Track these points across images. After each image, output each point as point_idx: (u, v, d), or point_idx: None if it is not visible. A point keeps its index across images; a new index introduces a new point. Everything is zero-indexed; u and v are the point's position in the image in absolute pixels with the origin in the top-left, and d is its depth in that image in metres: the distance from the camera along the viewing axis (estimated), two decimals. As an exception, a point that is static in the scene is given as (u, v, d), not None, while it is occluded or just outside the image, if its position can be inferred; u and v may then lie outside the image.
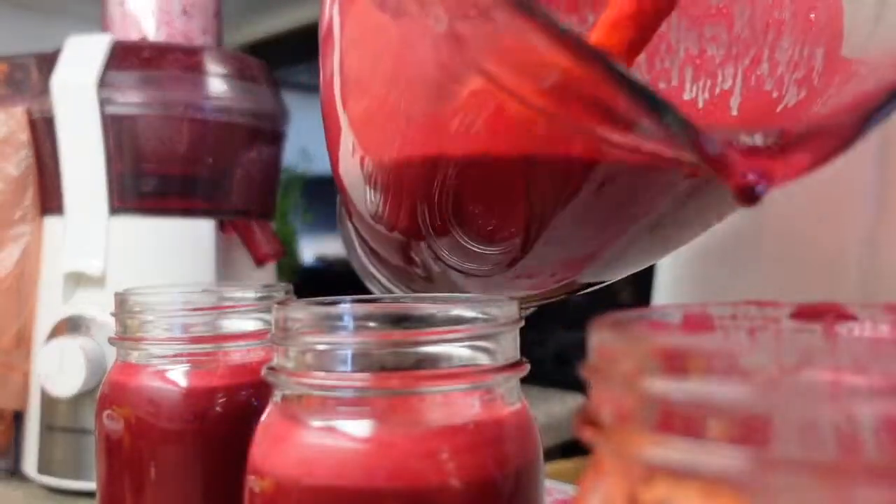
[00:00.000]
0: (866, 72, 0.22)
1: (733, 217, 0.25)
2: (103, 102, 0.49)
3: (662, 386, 0.13)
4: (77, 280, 0.49)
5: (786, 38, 0.25)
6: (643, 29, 0.21)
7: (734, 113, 0.26)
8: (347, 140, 0.23)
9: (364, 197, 0.23)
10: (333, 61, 0.23)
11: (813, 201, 0.35)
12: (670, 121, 0.16)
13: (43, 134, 0.51)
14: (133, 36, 0.54)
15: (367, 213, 0.24)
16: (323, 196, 1.06)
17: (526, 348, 0.26)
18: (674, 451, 0.13)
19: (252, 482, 0.24)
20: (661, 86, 0.27)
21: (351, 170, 0.23)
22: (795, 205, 0.35)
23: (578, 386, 0.18)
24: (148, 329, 0.32)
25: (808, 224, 0.36)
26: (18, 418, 0.51)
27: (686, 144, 0.17)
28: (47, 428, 0.48)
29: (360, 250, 0.26)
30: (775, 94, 0.25)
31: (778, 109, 0.25)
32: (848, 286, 0.35)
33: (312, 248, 1.09)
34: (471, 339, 0.24)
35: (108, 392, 0.32)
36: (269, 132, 0.56)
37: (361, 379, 0.23)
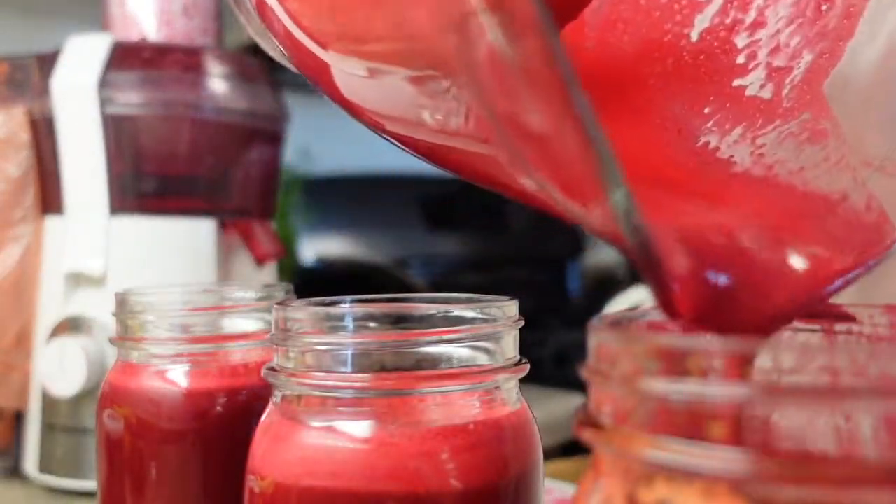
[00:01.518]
0: (832, 154, 0.21)
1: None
2: (103, 103, 0.49)
3: (662, 386, 0.13)
4: (77, 280, 0.49)
5: (784, 6, 0.22)
6: None
7: (693, 38, 0.23)
8: (346, 66, 0.22)
9: (418, 100, 0.20)
10: (283, 23, 0.22)
11: None
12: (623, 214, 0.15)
13: (43, 134, 0.51)
14: (133, 36, 0.54)
15: (436, 118, 0.20)
16: (323, 196, 1.06)
17: (526, 348, 0.26)
18: (673, 451, 0.13)
19: (252, 482, 0.24)
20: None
21: (370, 88, 0.22)
22: None
23: (578, 386, 0.18)
24: (148, 329, 0.32)
25: None
26: (19, 418, 0.51)
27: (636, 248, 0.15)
28: (48, 427, 0.48)
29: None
30: (741, 60, 0.23)
31: (734, 84, 0.22)
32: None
33: (312, 248, 1.08)
34: (471, 340, 0.24)
35: (108, 392, 0.32)
36: (269, 132, 0.56)
37: (361, 379, 0.23)
